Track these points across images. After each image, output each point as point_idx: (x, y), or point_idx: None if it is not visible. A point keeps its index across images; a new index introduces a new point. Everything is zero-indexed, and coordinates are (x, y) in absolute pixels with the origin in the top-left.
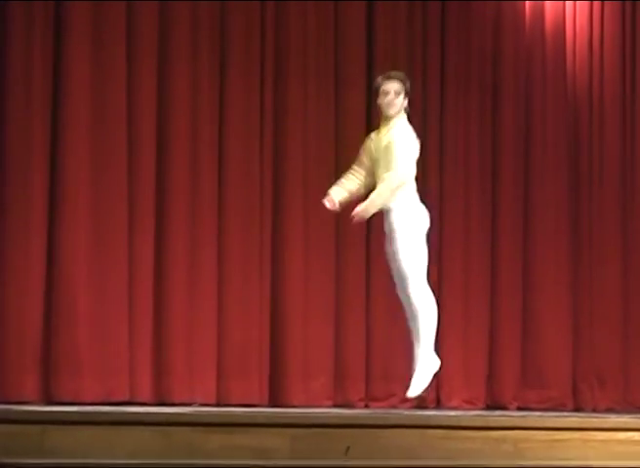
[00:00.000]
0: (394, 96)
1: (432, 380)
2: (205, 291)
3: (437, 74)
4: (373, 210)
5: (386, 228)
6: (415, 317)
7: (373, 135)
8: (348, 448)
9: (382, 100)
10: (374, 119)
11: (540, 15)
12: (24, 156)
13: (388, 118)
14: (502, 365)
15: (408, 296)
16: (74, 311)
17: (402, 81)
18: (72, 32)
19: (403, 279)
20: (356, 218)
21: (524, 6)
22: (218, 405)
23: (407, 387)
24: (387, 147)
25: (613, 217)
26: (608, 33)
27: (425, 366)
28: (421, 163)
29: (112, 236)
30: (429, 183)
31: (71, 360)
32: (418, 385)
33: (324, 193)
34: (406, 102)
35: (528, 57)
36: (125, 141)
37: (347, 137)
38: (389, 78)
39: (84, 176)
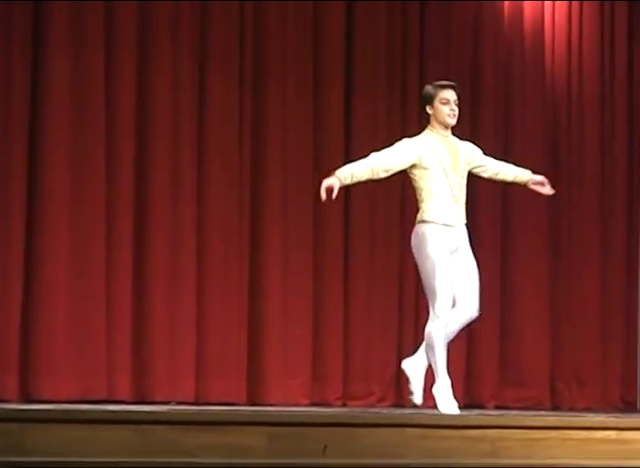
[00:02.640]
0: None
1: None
2: (184, 290)
3: (416, 75)
4: None
5: (456, 243)
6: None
7: (428, 143)
8: (326, 446)
9: (446, 109)
10: (352, 118)
11: (518, 15)
12: (3, 157)
13: (448, 127)
14: (481, 364)
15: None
16: (53, 310)
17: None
18: (51, 32)
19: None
20: None
21: (502, 6)
22: (196, 403)
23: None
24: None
25: (592, 216)
26: (586, 33)
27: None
28: None
29: (91, 236)
30: (408, 190)
31: (50, 359)
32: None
33: (302, 191)
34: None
35: (507, 57)
36: (104, 143)
37: (326, 138)
38: (451, 87)
39: (63, 178)
